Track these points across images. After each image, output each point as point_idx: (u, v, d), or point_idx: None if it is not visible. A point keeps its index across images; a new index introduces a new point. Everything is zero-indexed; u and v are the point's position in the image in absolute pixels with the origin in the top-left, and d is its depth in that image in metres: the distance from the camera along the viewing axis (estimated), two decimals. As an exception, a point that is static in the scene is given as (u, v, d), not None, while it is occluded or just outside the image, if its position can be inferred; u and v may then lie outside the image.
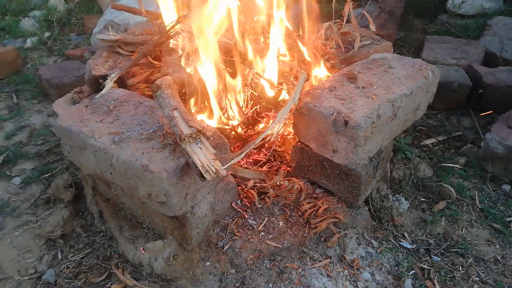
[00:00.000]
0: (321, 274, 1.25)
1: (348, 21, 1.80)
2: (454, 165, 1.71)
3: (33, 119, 2.17)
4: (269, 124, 1.38)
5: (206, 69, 1.40)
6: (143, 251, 1.27)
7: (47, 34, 3.17)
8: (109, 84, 1.47)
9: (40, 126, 2.10)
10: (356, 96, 1.32)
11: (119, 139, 1.19)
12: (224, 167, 1.09)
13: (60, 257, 1.38)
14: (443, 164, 1.71)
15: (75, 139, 1.26)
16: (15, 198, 1.65)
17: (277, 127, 1.24)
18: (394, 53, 1.71)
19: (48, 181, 1.69)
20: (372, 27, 1.75)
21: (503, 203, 1.57)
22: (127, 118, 1.28)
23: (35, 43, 3.06)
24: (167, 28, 1.49)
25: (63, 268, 1.33)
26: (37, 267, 1.36)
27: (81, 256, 1.36)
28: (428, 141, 1.89)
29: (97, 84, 1.55)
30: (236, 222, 1.34)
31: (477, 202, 1.56)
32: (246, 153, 1.25)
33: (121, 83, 1.57)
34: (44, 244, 1.42)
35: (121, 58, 1.75)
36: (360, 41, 1.73)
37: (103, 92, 1.42)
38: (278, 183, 1.43)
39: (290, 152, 1.49)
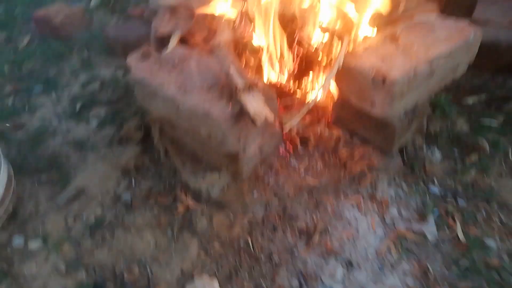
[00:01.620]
0: (353, 207, 1.44)
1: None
2: (491, 122, 1.77)
3: (102, 71, 2.45)
4: (318, 84, 1.54)
5: (257, 31, 1.56)
6: (202, 181, 1.53)
7: (109, -6, 3.41)
8: (173, 42, 1.67)
9: (109, 78, 2.38)
10: (396, 56, 1.42)
11: (184, 89, 1.41)
12: (289, 124, 1.29)
13: (134, 184, 1.67)
14: (481, 120, 1.78)
15: (147, 88, 1.49)
16: (93, 137, 1.95)
17: (326, 87, 1.40)
18: (442, 12, 1.75)
19: (120, 123, 1.97)
20: (418, -13, 1.78)
21: (537, 158, 1.64)
22: (190, 72, 1.49)
23: (99, 3, 3.32)
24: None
25: (137, 192, 1.63)
26: (116, 190, 1.66)
27: (151, 184, 1.64)
28: (469, 100, 1.94)
29: (162, 42, 1.77)
30: (280, 162, 1.55)
31: (510, 156, 1.64)
32: (305, 111, 1.45)
33: (183, 42, 1.77)
34: (121, 173, 1.71)
35: (182, 19, 1.95)
36: (405, 2, 1.77)
37: (168, 49, 1.63)
38: (318, 131, 1.60)
39: (331, 104, 1.64)
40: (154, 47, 1.87)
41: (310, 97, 1.46)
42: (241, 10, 1.70)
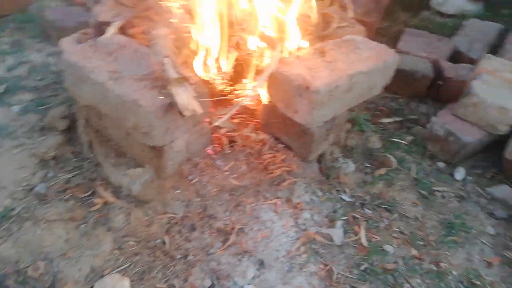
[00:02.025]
0: (270, 209, 1.52)
1: (332, 4, 2.01)
2: (400, 141, 1.97)
3: (33, 56, 2.33)
4: (251, 86, 1.62)
5: (197, 27, 1.61)
6: (124, 176, 1.51)
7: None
8: (111, 29, 1.66)
9: (39, 64, 2.27)
10: (322, 68, 1.54)
11: (116, 76, 1.40)
12: (218, 121, 1.36)
13: (51, 174, 1.60)
14: (392, 139, 1.98)
15: (78, 72, 1.46)
16: (13, 123, 1.85)
17: (257, 90, 1.47)
18: (374, 39, 1.93)
19: (44, 112, 1.89)
20: (350, 13, 1.96)
21: (434, 176, 1.84)
22: (125, 60, 1.49)
23: (39, -14, 3.16)
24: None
25: (53, 184, 1.57)
26: (30, 181, 1.58)
27: (69, 176, 1.59)
28: (385, 120, 2.14)
29: (101, 29, 1.74)
30: (206, 162, 1.59)
31: (413, 173, 1.84)
32: (235, 110, 1.51)
33: (122, 31, 1.76)
34: (38, 163, 1.64)
35: (124, 9, 1.93)
36: (338, 22, 1.94)
37: (106, 35, 1.61)
38: (246, 134, 1.67)
39: (261, 109, 1.72)
40: (91, 33, 1.83)
41: (241, 99, 1.53)
42: (185, 5, 1.74)
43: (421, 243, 1.56)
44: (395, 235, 1.57)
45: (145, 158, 1.51)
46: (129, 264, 1.37)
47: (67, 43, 1.60)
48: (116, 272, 1.34)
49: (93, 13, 1.82)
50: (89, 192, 1.53)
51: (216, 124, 1.54)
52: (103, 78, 1.39)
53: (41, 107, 1.92)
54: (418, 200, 1.72)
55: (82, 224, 1.45)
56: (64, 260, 1.36)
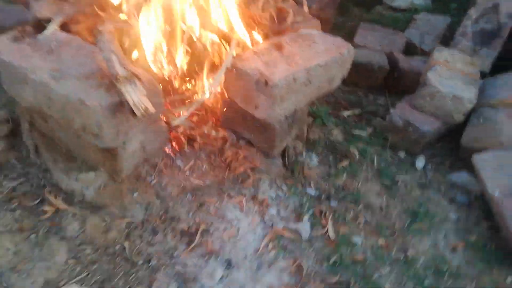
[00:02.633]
0: (235, 208, 1.47)
1: (286, -2, 1.99)
2: (362, 133, 1.99)
3: (-31, 58, 2.13)
4: (208, 82, 1.56)
5: (145, 22, 1.53)
6: (76, 181, 1.40)
7: (-12, -25, 3.02)
8: (52, 26, 1.54)
9: (-24, 66, 2.08)
10: (279, 62, 1.51)
11: (59, 76, 1.29)
12: (177, 121, 1.27)
13: (-7, 184, 1.46)
14: (353, 131, 1.99)
15: (17, 73, 1.34)
16: None
17: (215, 87, 1.42)
18: (330, 34, 1.94)
19: (-17, 117, 1.73)
20: (305, 9, 1.96)
21: (396, 166, 1.88)
22: (68, 58, 1.38)
23: (-25, -17, 2.92)
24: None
25: (-3, 193, 1.43)
26: (-31, 194, 1.43)
27: (15, 184, 1.46)
28: (345, 113, 2.16)
29: (40, 26, 1.61)
30: (164, 162, 1.51)
31: (375, 163, 1.86)
32: (194, 107, 1.45)
33: (64, 28, 1.64)
34: (-22, 171, 1.49)
35: (66, 5, 1.80)
36: (293, 17, 1.92)
37: (46, 33, 1.49)
38: (206, 132, 1.61)
39: (219, 106, 1.67)
40: (31, 29, 1.70)
41: (199, 96, 1.48)
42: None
43: (388, 232, 1.57)
44: (361, 226, 1.58)
45: (98, 161, 1.41)
46: (87, 273, 1.27)
47: (2, 42, 1.46)
48: (73, 282, 1.23)
49: (32, 9, 1.69)
50: (38, 200, 1.41)
51: (175, 123, 1.47)
52: (45, 78, 1.28)
53: (-21, 112, 1.75)
54: (382, 190, 1.74)
55: (32, 234, 1.33)
56: (14, 273, 1.24)
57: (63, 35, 1.53)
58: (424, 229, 1.61)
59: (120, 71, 1.22)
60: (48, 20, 1.60)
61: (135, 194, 1.42)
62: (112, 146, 1.31)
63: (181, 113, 1.52)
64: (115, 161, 1.37)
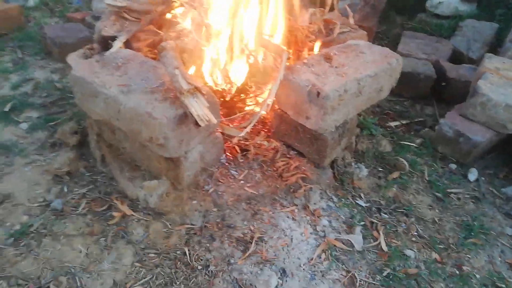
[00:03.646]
0: (288, 217, 1.51)
1: (332, 9, 2.03)
2: (410, 144, 1.98)
3: (37, 73, 2.32)
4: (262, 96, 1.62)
5: (202, 38, 1.61)
6: (140, 189, 1.50)
7: (48, -5, 3.27)
8: (117, 44, 1.66)
9: (44, 81, 2.26)
10: (329, 73, 1.55)
11: (126, 90, 1.40)
12: (240, 134, 1.39)
13: (65, 190, 1.59)
14: (402, 142, 1.99)
15: (88, 87, 1.46)
16: (22, 141, 1.83)
17: (270, 100, 1.48)
18: (374, 42, 1.95)
19: (53, 128, 1.88)
20: (351, 20, 1.99)
21: (448, 178, 1.85)
22: (134, 73, 1.49)
23: (37, 3, 3.17)
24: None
25: (69, 199, 1.55)
26: (45, 197, 1.56)
27: (84, 191, 1.58)
28: (392, 123, 2.15)
29: (105, 44, 1.74)
30: (220, 171, 1.58)
31: (426, 175, 1.84)
32: (254, 121, 1.52)
33: (127, 45, 1.76)
34: (52, 179, 1.62)
35: (127, 23, 1.93)
36: (340, 28, 1.96)
37: (112, 50, 1.61)
38: (258, 142, 1.67)
39: (271, 117, 1.72)
40: (98, 47, 1.83)
41: (257, 109, 1.54)
42: (192, 18, 1.75)
43: (441, 246, 1.55)
44: (414, 239, 1.57)
45: (161, 170, 1.50)
46: (150, 276, 1.35)
47: (74, 59, 1.59)
48: (138, 285, 1.32)
49: (97, 28, 1.83)
50: (106, 206, 1.52)
51: (238, 136, 1.54)
52: (114, 92, 1.38)
53: (49, 124, 1.91)
54: (434, 202, 1.72)
55: (102, 238, 1.43)
56: (86, 274, 1.34)
57: (127, 52, 1.64)
58: (479, 244, 1.58)
59: (184, 85, 1.30)
60: (112, 38, 1.73)
61: (194, 202, 1.49)
62: (176, 156, 1.39)
63: (243, 127, 1.58)
64: (177, 170, 1.45)
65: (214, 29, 1.64)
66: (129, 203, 1.50)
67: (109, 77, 1.46)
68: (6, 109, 1.99)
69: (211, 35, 1.64)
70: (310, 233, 1.51)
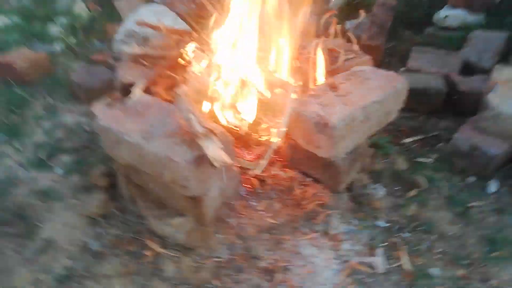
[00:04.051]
0: (309, 244, 1.57)
1: (335, 36, 2.12)
2: (426, 160, 2.01)
3: (66, 118, 2.49)
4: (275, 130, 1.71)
5: (212, 79, 1.73)
6: (168, 226, 1.60)
7: (72, 39, 3.50)
8: (137, 91, 1.79)
9: (73, 125, 2.42)
10: (336, 103, 1.62)
11: (147, 135, 1.51)
12: (258, 169, 1.54)
13: (101, 232, 1.70)
14: (417, 159, 2.02)
15: (112, 135, 1.58)
16: (59, 185, 1.96)
17: (282, 133, 1.56)
18: (381, 61, 2.00)
19: (86, 171, 2.01)
20: (355, 46, 2.06)
21: (467, 191, 1.87)
22: (153, 119, 1.60)
23: (63, 48, 3.39)
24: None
25: (104, 241, 1.66)
26: (84, 239, 1.67)
27: (118, 232, 1.68)
28: (407, 140, 2.19)
29: (126, 90, 1.88)
30: (241, 203, 1.66)
31: (444, 190, 1.86)
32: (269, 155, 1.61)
33: (146, 90, 1.89)
34: (88, 222, 1.74)
35: (144, 68, 2.08)
36: (344, 55, 2.03)
37: (132, 97, 1.74)
38: (274, 173, 1.75)
39: (284, 147, 1.80)
40: (118, 95, 1.98)
41: (271, 141, 1.63)
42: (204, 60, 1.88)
43: (466, 262, 1.57)
44: (438, 256, 1.59)
45: (185, 207, 1.59)
46: (186, 310, 1.43)
47: (98, 109, 1.72)
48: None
49: (117, 76, 1.98)
50: (138, 245, 1.62)
51: (256, 172, 1.62)
52: (136, 139, 1.50)
53: (82, 167, 2.05)
54: (455, 218, 1.74)
55: (137, 277, 1.52)
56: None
57: (146, 97, 1.77)
58: (505, 257, 1.57)
59: (198, 128, 1.40)
60: (132, 84, 1.86)
61: (219, 236, 1.58)
62: (197, 194, 1.48)
63: (259, 161, 1.67)
64: (200, 207, 1.54)
65: (224, 68, 1.76)
66: (160, 241, 1.60)
67: (131, 124, 1.57)
68: (42, 156, 2.15)
69: (221, 75, 1.75)
70: (333, 258, 1.56)
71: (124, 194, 1.79)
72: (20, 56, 2.87)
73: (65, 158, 2.13)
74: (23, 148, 2.22)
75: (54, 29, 3.60)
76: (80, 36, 3.54)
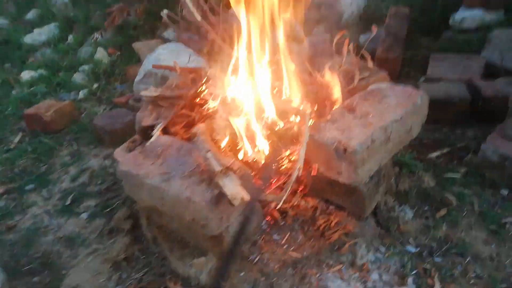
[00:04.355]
0: (336, 277, 1.51)
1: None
2: (454, 175, 1.91)
3: (91, 162, 2.58)
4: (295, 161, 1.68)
5: (228, 115, 1.73)
6: (190, 267, 1.59)
7: (95, 85, 3.66)
8: (156, 133, 1.83)
9: (98, 168, 2.50)
10: (354, 126, 1.58)
11: (167, 177, 1.52)
12: (277, 201, 1.50)
13: (124, 276, 1.71)
14: (445, 174, 1.92)
15: (133, 179, 1.61)
16: (84, 231, 2.02)
17: (300, 162, 1.54)
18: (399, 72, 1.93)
19: (109, 214, 2.06)
20: (370, 64, 2.02)
21: (501, 206, 1.75)
22: (172, 160, 1.62)
23: (86, 94, 3.55)
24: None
25: (128, 285, 1.67)
26: (108, 285, 1.70)
27: (141, 274, 1.69)
28: (432, 154, 2.09)
29: (146, 133, 1.92)
30: (263, 238, 1.63)
31: (476, 206, 1.75)
32: (290, 187, 1.57)
33: (164, 130, 1.93)
34: (111, 266, 1.76)
35: (163, 109, 2.12)
36: (359, 75, 1.99)
37: (152, 140, 1.78)
38: (295, 203, 1.71)
39: (304, 175, 1.76)
40: (139, 138, 2.03)
41: (291, 172, 1.60)
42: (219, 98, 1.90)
43: (504, 285, 1.45)
44: (473, 281, 1.49)
45: (207, 246, 1.58)
46: None
47: (120, 154, 1.77)
48: None
49: (137, 119, 2.02)
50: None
51: (280, 204, 1.59)
52: (156, 181, 1.51)
53: (106, 210, 2.10)
54: (489, 236, 1.63)
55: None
56: None
57: (164, 138, 1.79)
58: (549, 277, 1.46)
59: (216, 167, 1.40)
60: (151, 127, 1.90)
61: (242, 274, 1.55)
62: (218, 232, 1.47)
63: (280, 193, 1.64)
64: (221, 245, 1.53)
65: (238, 103, 1.76)
66: (182, 282, 1.59)
67: (151, 167, 1.60)
68: (68, 202, 2.22)
69: (236, 109, 1.76)
70: (362, 290, 1.49)
71: (147, 236, 1.80)
72: (47, 107, 3.03)
73: (90, 203, 2.19)
74: (49, 195, 2.31)
75: (78, 77, 3.79)
76: (102, 81, 3.71)
